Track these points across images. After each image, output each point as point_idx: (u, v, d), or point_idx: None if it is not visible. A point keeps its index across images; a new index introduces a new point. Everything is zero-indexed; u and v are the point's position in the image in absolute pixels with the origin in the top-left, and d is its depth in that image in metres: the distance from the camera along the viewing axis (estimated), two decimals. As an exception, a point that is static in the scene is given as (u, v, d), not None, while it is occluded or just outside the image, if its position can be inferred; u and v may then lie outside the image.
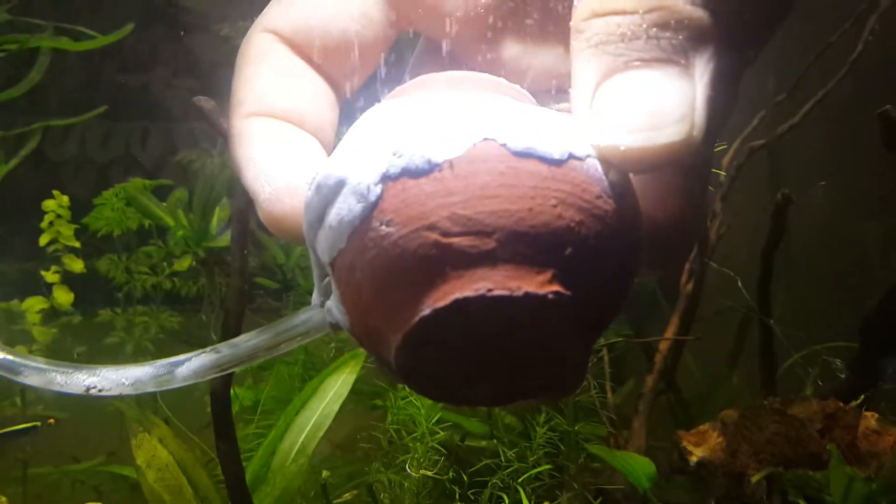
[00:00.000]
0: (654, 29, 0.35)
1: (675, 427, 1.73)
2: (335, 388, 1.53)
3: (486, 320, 0.39)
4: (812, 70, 2.03)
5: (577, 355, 0.43)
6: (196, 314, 2.05)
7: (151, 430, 1.20)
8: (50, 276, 1.78)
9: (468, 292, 0.38)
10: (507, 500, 1.20)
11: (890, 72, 2.06)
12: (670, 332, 1.91)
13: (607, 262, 0.40)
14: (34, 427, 1.57)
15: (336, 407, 1.51)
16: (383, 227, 0.39)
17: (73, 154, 2.77)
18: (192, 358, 0.59)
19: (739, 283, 1.78)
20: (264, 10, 0.43)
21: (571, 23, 0.37)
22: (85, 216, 2.04)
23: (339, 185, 0.40)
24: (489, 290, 0.38)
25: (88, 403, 1.99)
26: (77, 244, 1.76)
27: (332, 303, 0.45)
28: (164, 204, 1.73)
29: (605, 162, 0.38)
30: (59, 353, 2.08)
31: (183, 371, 0.59)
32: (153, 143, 2.76)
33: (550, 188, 0.38)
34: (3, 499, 1.37)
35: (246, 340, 0.58)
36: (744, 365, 2.03)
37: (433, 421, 1.28)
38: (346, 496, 1.43)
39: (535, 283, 0.38)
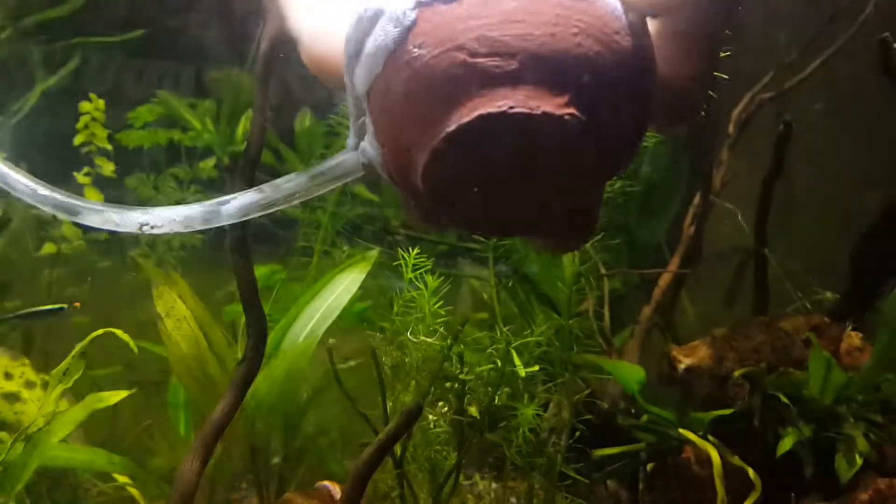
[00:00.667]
0: None
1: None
2: (345, 284, 1.60)
3: (507, 136, 0.43)
4: (823, 32, 2.09)
5: (590, 193, 0.47)
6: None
7: (172, 286, 1.28)
8: (82, 177, 1.86)
9: (491, 108, 0.41)
10: (499, 364, 1.27)
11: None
12: (670, 269, 1.97)
13: (621, 96, 0.43)
14: (61, 308, 1.65)
15: (345, 301, 1.59)
16: (416, 49, 0.43)
17: (109, 88, 2.85)
18: (237, 197, 0.65)
19: (739, 217, 1.84)
20: None
21: None
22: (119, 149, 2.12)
23: (378, 14, 0.44)
24: (511, 108, 0.42)
25: (116, 305, 2.07)
26: (109, 147, 1.85)
27: (367, 141, 0.49)
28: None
29: (626, 2, 0.42)
30: (86, 264, 2.16)
31: (229, 208, 0.65)
32: (185, 83, 2.85)
33: (572, 17, 0.41)
34: (26, 361, 1.45)
35: (286, 181, 0.63)
36: (741, 308, 2.08)
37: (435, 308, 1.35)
38: (351, 363, 1.50)
39: (554, 104, 0.41)
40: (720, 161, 2.03)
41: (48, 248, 1.91)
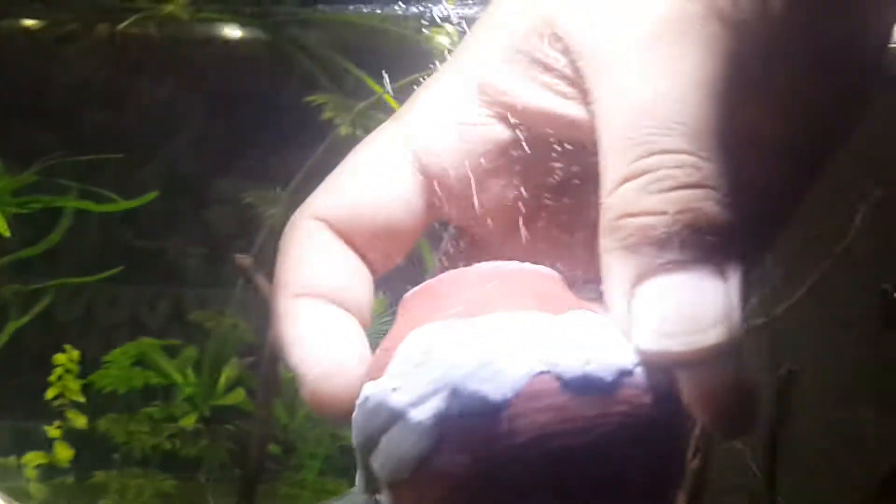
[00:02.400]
0: (687, 231, 0.37)
1: None
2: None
3: None
4: (805, 260, 2.09)
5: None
6: (192, 478, 2.02)
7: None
8: (52, 430, 1.78)
9: None
10: None
11: (882, 260, 2.12)
12: (677, 511, 1.85)
13: (667, 463, 0.41)
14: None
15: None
16: (449, 467, 0.39)
17: (80, 315, 2.79)
18: None
19: (748, 458, 1.76)
20: (310, 197, 0.46)
21: (602, 221, 0.39)
22: (86, 375, 2.04)
23: (394, 416, 0.41)
24: None
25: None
26: (83, 399, 1.77)
27: (385, 500, 0.43)
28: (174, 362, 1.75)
29: (651, 367, 0.39)
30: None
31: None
32: (162, 307, 2.80)
33: (609, 413, 0.39)
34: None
35: None
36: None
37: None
38: None
39: None
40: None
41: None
